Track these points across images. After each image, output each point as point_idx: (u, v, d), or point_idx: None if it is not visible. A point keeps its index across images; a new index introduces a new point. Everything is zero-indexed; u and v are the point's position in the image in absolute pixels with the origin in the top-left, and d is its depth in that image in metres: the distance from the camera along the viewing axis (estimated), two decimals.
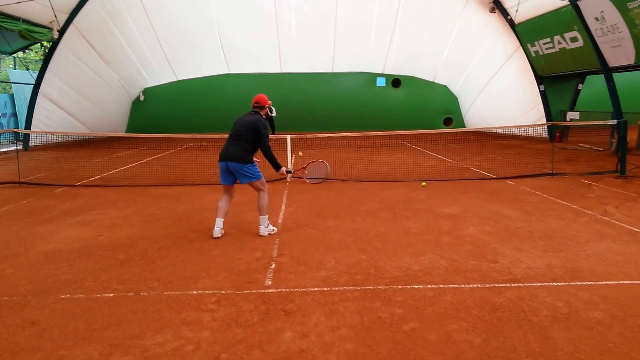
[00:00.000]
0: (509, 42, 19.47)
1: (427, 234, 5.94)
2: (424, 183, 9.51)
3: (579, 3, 13.75)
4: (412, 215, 6.99)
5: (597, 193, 8.52)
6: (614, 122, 10.95)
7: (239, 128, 5.87)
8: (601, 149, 15.26)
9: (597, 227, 6.18)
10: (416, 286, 4.22)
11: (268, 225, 6.08)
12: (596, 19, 13.28)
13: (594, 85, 20.19)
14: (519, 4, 16.79)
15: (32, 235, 6.15)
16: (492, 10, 18.67)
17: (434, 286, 4.21)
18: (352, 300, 3.94)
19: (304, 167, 6.96)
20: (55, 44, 18.53)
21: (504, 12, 18.57)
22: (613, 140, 15.12)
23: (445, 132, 13.52)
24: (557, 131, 18.34)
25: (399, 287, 4.21)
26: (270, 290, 4.18)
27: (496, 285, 4.22)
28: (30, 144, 17.82)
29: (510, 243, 5.49)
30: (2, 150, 17.53)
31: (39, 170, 12.13)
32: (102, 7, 19.48)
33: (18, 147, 15.82)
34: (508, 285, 4.22)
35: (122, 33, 21.42)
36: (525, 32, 17.93)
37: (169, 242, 5.71)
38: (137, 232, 6.23)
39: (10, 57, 21.69)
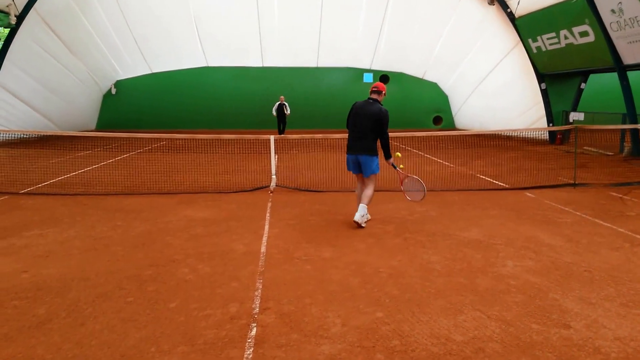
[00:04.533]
0: (508, 37, 18.17)
1: (456, 273, 4.54)
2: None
3: None
4: (427, 241, 5.60)
5: (636, 210, 7.25)
6: None
7: (362, 121, 6.14)
8: (611, 154, 14.10)
9: None
10: None
11: (365, 215, 6.16)
12: (612, 11, 12.03)
13: (593, 83, 19.05)
14: None
15: None
16: (491, 2, 17.39)
17: None
18: None
19: (405, 176, 6.41)
20: (14, 30, 16.78)
21: (504, 5, 17.25)
22: (625, 144, 14.01)
23: (452, 135, 11.98)
24: (559, 133, 17.26)
25: None
26: None
27: None
28: None
29: (570, 290, 4.12)
30: None
31: None
32: None
33: None
34: None
35: (89, 20, 19.67)
36: (527, 27, 16.65)
37: (113, 286, 4.21)
38: (74, 267, 4.72)
39: None
